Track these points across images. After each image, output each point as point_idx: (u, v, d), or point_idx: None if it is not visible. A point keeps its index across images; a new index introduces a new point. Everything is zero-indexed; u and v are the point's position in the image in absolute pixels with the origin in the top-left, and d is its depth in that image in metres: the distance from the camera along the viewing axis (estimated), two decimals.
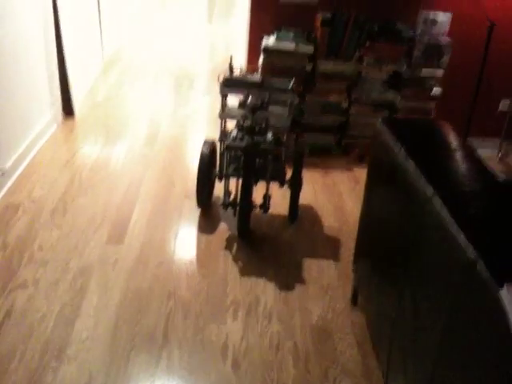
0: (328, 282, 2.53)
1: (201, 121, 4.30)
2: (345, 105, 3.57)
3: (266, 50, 3.41)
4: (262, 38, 3.49)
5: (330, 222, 2.99)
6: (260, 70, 3.49)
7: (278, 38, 3.41)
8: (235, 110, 2.79)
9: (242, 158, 2.64)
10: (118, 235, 2.73)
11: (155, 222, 2.86)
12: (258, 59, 3.57)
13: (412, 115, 3.61)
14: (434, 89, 3.58)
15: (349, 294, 2.42)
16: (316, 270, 2.60)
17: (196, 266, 2.56)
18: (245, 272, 2.55)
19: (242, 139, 2.63)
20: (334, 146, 3.71)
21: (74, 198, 3.03)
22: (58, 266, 2.49)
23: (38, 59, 3.60)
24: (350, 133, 3.67)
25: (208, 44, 6.53)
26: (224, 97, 2.77)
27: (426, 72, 3.52)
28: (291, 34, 3.44)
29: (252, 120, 2.64)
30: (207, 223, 2.91)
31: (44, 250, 2.60)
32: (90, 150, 3.63)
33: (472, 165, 1.72)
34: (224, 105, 2.79)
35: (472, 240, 1.26)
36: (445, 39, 3.46)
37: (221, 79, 2.75)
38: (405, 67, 3.50)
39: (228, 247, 2.71)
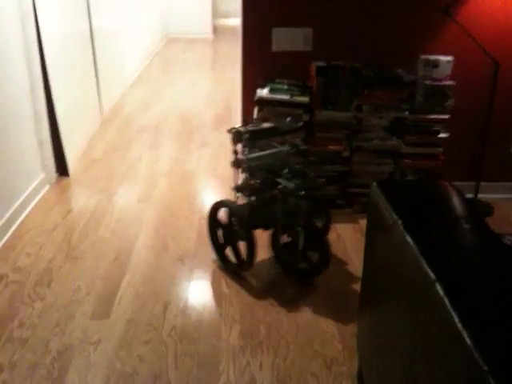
0: (332, 355, 2.30)
1: (201, 176, 4.14)
2: (346, 153, 3.39)
3: (260, 102, 3.27)
4: (255, 90, 3.36)
5: (334, 282, 2.77)
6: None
7: (271, 89, 3.28)
8: (256, 157, 2.67)
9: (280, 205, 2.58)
10: (103, 310, 2.54)
11: (144, 294, 2.66)
12: (252, 111, 3.43)
13: (418, 161, 3.42)
14: (440, 134, 3.40)
15: (355, 371, 2.18)
16: (318, 342, 2.37)
17: (186, 344, 2.34)
18: (240, 349, 2.33)
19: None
20: (337, 197, 3.52)
21: (60, 267, 2.86)
22: (38, 347, 2.30)
23: (27, 121, 3.50)
24: (353, 182, 3.49)
25: (209, 98, 6.44)
26: (247, 148, 2.65)
27: (430, 117, 3.35)
28: (285, 85, 3.30)
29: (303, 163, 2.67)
30: (201, 291, 2.71)
31: (24, 326, 2.42)
32: (81, 212, 3.47)
33: (479, 236, 1.51)
34: (246, 155, 2.66)
35: (483, 350, 1.05)
36: (448, 82, 3.30)
37: (235, 136, 2.65)
38: (407, 113, 3.33)
39: (222, 321, 2.50)
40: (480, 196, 3.62)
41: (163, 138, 4.86)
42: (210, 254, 3.02)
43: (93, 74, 4.97)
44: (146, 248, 3.07)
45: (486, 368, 1.03)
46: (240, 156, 2.63)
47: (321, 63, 3.21)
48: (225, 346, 2.34)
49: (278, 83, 3.34)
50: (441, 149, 3.43)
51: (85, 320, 2.47)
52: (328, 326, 2.46)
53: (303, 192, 2.50)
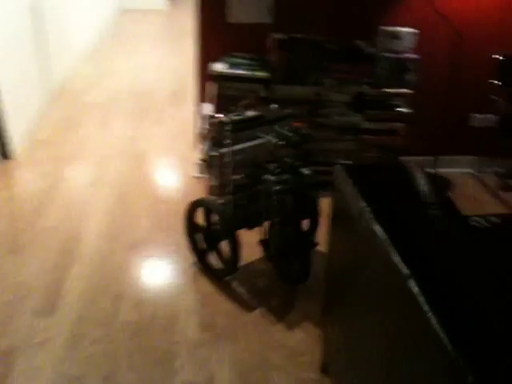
0: (294, 345, 2.19)
1: (156, 157, 3.93)
2: (306, 130, 3.25)
3: (219, 78, 3.08)
4: (211, 65, 3.16)
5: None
6: (213, 100, 3.15)
7: (230, 64, 3.09)
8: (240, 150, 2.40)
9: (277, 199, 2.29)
10: (48, 306, 2.35)
11: (93, 287, 2.48)
12: (209, 87, 3.25)
13: (379, 137, 3.32)
14: (401, 109, 3.29)
15: (318, 361, 2.08)
16: (280, 331, 2.26)
17: (139, 341, 2.19)
18: (197, 342, 2.19)
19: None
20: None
21: (1, 259, 2.65)
22: None
23: None
24: (314, 160, 3.35)
25: (164, 74, 6.16)
26: (230, 140, 2.32)
27: (391, 92, 3.23)
28: (244, 60, 3.12)
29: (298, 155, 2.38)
30: (155, 282, 2.55)
31: None
32: (25, 199, 3.24)
33: (448, 222, 1.40)
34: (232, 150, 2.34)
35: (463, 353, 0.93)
36: (410, 56, 3.18)
37: (219, 126, 2.33)
38: (368, 87, 3.20)
39: (178, 314, 2.35)
40: (440, 170, 3.55)
41: (115, 116, 4.61)
42: (166, 241, 2.86)
43: (40, 48, 4.65)
44: (96, 236, 2.87)
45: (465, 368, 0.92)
46: (222, 150, 2.33)
47: (281, 36, 3.04)
48: (182, 340, 2.19)
49: (237, 57, 3.15)
50: (402, 124, 3.32)
51: (29, 318, 2.28)
52: (290, 314, 2.35)
53: (285, 187, 2.24)
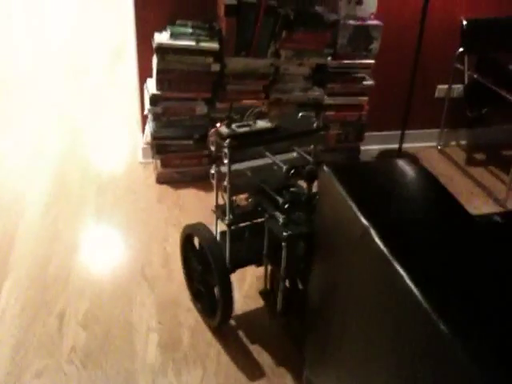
0: (271, 362, 1.94)
1: (96, 134, 3.51)
2: (263, 108, 2.94)
3: (159, 50, 2.69)
4: (153, 34, 2.77)
5: None
6: (155, 77, 2.77)
7: (172, 34, 2.70)
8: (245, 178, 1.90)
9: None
10: None
11: (32, 303, 2.12)
12: (150, 64, 2.86)
13: (342, 112, 3.06)
14: (365, 81, 3.04)
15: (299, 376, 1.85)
16: (256, 347, 2.00)
17: (92, 369, 1.87)
18: (159, 368, 1.90)
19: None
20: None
21: None
22: None
23: None
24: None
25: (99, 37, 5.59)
26: (230, 164, 1.79)
27: (354, 62, 2.96)
28: (189, 28, 2.74)
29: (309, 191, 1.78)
30: (105, 292, 2.22)
31: None
32: None
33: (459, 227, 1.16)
34: (230, 176, 1.81)
35: None
36: (373, 22, 2.90)
37: (214, 138, 1.82)
38: (329, 59, 2.92)
39: (135, 331, 2.05)
40: (405, 146, 3.36)
41: (44, 87, 4.09)
42: (113, 239, 2.52)
43: None
44: (31, 237, 2.48)
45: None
46: (220, 168, 1.85)
47: (231, 1, 2.67)
48: (140, 366, 1.90)
49: (181, 26, 2.76)
50: (366, 98, 3.08)
51: None
52: (264, 327, 2.09)
53: (287, 234, 1.69)
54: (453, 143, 3.59)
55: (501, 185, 3.15)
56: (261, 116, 1.99)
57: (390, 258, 1.08)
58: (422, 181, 1.36)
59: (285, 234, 1.69)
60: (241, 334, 2.05)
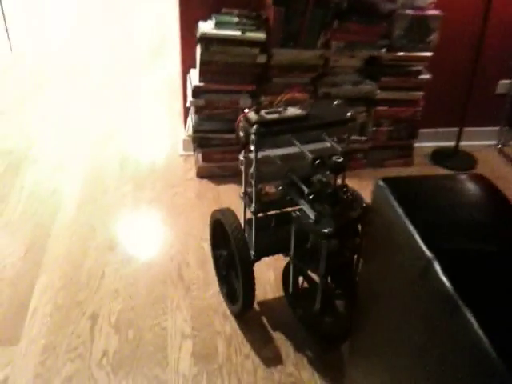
0: (308, 378, 1.81)
1: (132, 134, 3.43)
2: (311, 102, 2.78)
3: (204, 41, 2.57)
4: (197, 23, 2.64)
5: None
6: (198, 68, 2.65)
7: (217, 24, 2.57)
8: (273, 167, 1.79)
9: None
10: (9, 332, 1.93)
11: (65, 304, 2.06)
12: (194, 54, 2.74)
13: (395, 108, 2.87)
14: (422, 76, 2.83)
15: None
16: (292, 361, 1.88)
17: (123, 376, 1.79)
18: (193, 379, 1.80)
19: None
20: None
21: None
22: None
23: None
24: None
25: (136, 33, 5.52)
26: (256, 151, 1.70)
27: (410, 55, 2.76)
28: (235, 18, 2.60)
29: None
30: (139, 294, 2.13)
31: None
32: None
33: None
34: (256, 163, 1.72)
35: None
36: (432, 12, 2.69)
37: (244, 125, 1.72)
38: (384, 51, 2.73)
39: (168, 338, 1.95)
40: (462, 144, 3.14)
41: (76, 88, 4.05)
42: (149, 237, 2.43)
43: None
44: (66, 234, 2.43)
45: None
46: (248, 155, 1.77)
47: None
48: (172, 376, 1.80)
49: (226, 15, 2.63)
50: (422, 93, 2.88)
51: None
52: (303, 340, 1.96)
53: (327, 231, 1.56)
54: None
55: None
56: (293, 103, 1.86)
57: (459, 301, 0.92)
58: (494, 202, 1.19)
59: (325, 230, 1.55)
60: (280, 341, 1.92)
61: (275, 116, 1.74)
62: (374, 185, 1.27)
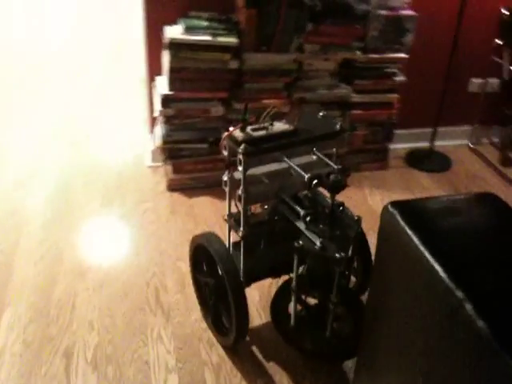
0: None
1: (100, 138, 3.24)
2: (285, 109, 2.67)
3: (172, 46, 2.41)
4: (163, 29, 2.49)
5: None
6: (167, 75, 2.50)
7: (186, 28, 2.42)
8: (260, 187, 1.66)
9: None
10: None
11: (35, 340, 1.88)
12: (160, 60, 2.58)
13: (370, 111, 2.80)
14: (396, 77, 2.77)
15: None
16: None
17: None
18: None
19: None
20: None
21: None
22: None
23: None
24: None
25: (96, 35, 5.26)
26: (245, 172, 1.58)
27: (384, 57, 2.68)
28: (204, 21, 2.46)
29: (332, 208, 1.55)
30: (116, 324, 1.97)
31: None
32: None
33: None
34: (244, 185, 1.60)
35: None
36: (407, 12, 2.62)
37: (227, 143, 1.61)
38: (358, 53, 2.64)
39: (152, 373, 1.81)
40: (435, 144, 3.10)
41: (44, 88, 3.81)
42: (122, 260, 2.27)
43: None
44: (30, 261, 2.23)
45: None
46: (234, 174, 1.66)
47: None
48: None
49: (195, 18, 2.48)
50: (397, 95, 2.81)
51: None
52: (297, 367, 1.85)
53: (339, 257, 1.47)
54: (485, 141, 3.32)
55: None
56: (278, 117, 1.75)
57: (494, 343, 0.84)
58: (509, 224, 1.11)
59: (337, 256, 1.46)
60: (273, 370, 1.81)
61: (263, 133, 1.61)
62: (382, 211, 1.17)
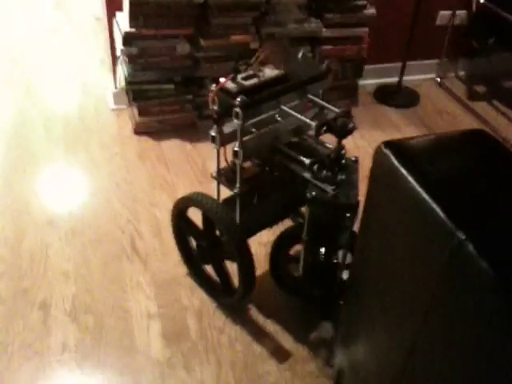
0: (294, 352, 1.74)
1: (54, 82, 3.06)
2: (254, 44, 2.57)
3: None
4: None
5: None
6: (127, 11, 2.34)
7: None
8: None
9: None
10: None
11: (8, 296, 1.82)
12: None
13: (341, 46, 2.73)
14: (365, 10, 2.69)
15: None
16: (272, 336, 1.78)
17: (89, 368, 1.63)
18: (167, 363, 1.67)
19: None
20: None
21: None
22: None
23: None
24: None
25: None
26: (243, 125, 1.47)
27: None
28: None
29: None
30: (91, 271, 1.93)
31: None
32: None
33: None
34: (242, 136, 1.49)
35: None
36: None
37: (222, 97, 1.49)
38: None
39: (133, 319, 1.79)
40: (404, 79, 3.07)
41: None
42: (93, 207, 2.20)
43: None
44: None
45: None
46: (225, 129, 1.53)
47: None
48: (144, 363, 1.66)
49: None
50: (366, 29, 2.74)
51: None
52: (280, 300, 1.87)
53: (353, 202, 1.45)
54: (451, 75, 3.32)
55: (507, 121, 2.93)
56: (266, 62, 1.67)
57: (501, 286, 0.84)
58: (505, 162, 1.10)
59: (351, 202, 1.44)
60: (254, 311, 1.82)
61: (255, 81, 1.51)
62: (375, 152, 1.14)
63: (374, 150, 1.14)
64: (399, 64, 2.99)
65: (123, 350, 1.69)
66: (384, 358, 1.25)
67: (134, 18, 2.35)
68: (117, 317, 1.78)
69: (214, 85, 1.52)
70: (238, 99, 1.43)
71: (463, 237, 0.91)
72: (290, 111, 1.54)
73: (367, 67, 2.95)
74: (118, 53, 2.48)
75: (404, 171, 1.04)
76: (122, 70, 2.55)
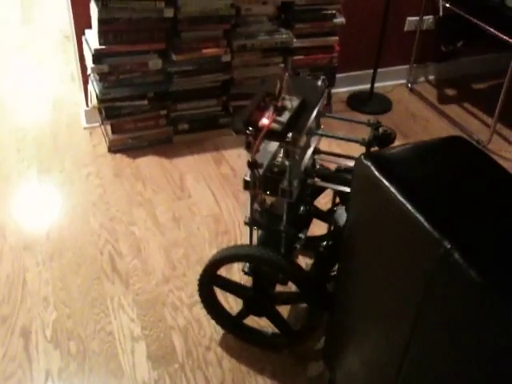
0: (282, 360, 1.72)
1: (25, 101, 3.00)
2: (226, 58, 2.57)
3: None
4: None
5: None
6: (96, 28, 2.31)
7: None
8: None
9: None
10: None
11: None
12: (88, 12, 2.39)
13: (312, 56, 2.74)
14: (335, 19, 2.71)
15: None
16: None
17: None
18: None
19: None
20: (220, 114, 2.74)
21: None
22: None
23: None
24: (236, 93, 2.72)
25: None
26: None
27: None
28: None
29: None
30: (68, 292, 1.89)
31: None
32: None
33: None
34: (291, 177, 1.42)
35: None
36: None
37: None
38: None
39: (117, 342, 1.75)
40: (376, 85, 3.10)
41: None
42: (71, 228, 2.15)
43: None
44: None
45: None
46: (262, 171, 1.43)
47: None
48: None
49: None
50: (336, 38, 2.76)
51: None
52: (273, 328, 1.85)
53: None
54: (422, 79, 3.36)
55: (479, 123, 2.98)
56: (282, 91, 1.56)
57: (491, 292, 0.84)
58: (484, 167, 1.10)
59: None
60: None
61: (288, 114, 1.42)
62: (355, 164, 1.15)
63: (354, 162, 1.15)
64: (370, 71, 3.02)
65: (108, 374, 1.65)
66: (375, 371, 1.24)
67: (103, 35, 2.32)
68: (100, 340, 1.74)
69: (250, 128, 1.34)
70: (289, 136, 1.34)
71: (449, 245, 0.91)
72: (326, 133, 1.57)
73: (339, 75, 2.98)
74: (89, 71, 2.45)
75: (386, 182, 1.04)
76: (93, 88, 2.51)
